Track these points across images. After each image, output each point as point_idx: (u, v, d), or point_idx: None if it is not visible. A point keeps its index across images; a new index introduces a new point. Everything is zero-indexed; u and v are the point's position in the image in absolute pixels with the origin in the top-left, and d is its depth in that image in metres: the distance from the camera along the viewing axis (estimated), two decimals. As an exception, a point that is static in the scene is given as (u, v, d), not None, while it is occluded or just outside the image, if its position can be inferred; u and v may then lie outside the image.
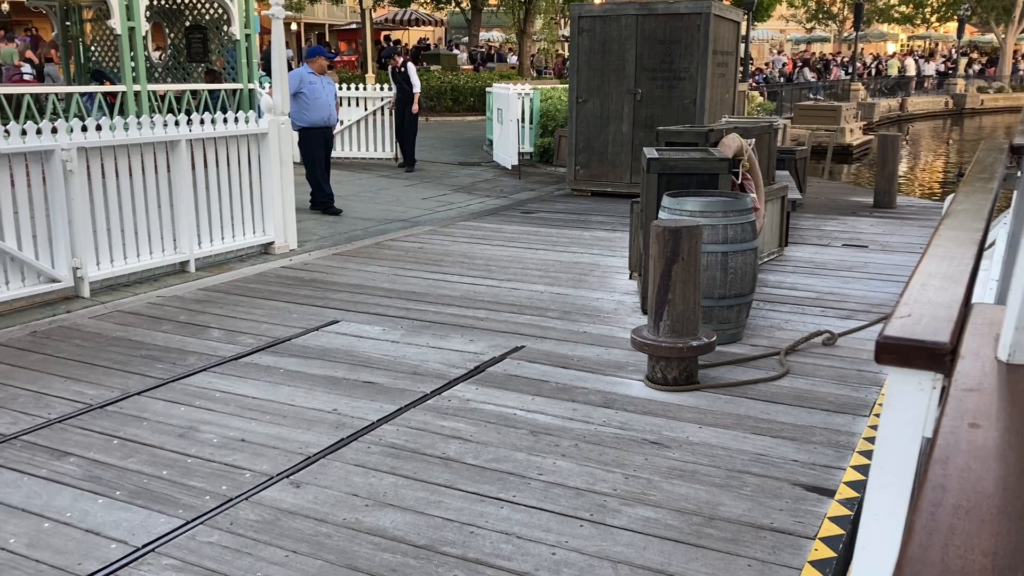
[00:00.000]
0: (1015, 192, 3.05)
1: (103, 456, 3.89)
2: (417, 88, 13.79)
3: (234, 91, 11.02)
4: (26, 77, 18.28)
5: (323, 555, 3.10)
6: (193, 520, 3.34)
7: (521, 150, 13.98)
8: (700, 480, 3.64)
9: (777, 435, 4.10)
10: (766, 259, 7.62)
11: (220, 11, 11.68)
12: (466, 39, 38.49)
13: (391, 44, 25.31)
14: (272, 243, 8.07)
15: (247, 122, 7.75)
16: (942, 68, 43.73)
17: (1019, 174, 3.00)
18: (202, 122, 7.35)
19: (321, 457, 3.87)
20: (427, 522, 3.31)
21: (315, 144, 9.85)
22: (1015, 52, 45.18)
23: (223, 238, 7.66)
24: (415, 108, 13.75)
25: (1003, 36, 44.06)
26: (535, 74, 31.15)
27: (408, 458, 3.85)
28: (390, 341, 5.48)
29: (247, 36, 11.17)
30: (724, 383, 4.78)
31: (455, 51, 36.69)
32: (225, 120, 7.56)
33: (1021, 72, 43.79)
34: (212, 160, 7.49)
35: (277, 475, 3.70)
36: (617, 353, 5.26)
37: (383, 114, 14.67)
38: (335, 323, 5.86)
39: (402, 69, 13.73)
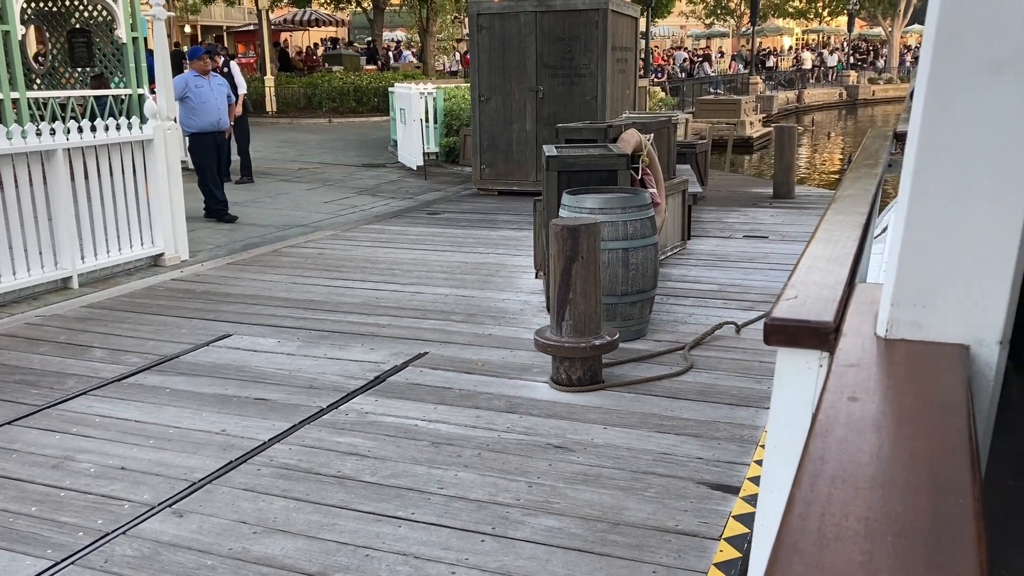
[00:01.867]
0: (902, 178, 3.08)
1: (-35, 495, 3.58)
2: (243, 89, 12.41)
3: (123, 97, 10.52)
4: None
5: (206, 590, 2.89)
6: (63, 560, 3.08)
7: (426, 150, 13.79)
8: (604, 484, 3.56)
9: (681, 432, 4.05)
10: (669, 253, 7.64)
11: (105, 13, 11.15)
12: (370, 39, 37.95)
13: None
14: (162, 254, 7.70)
15: (130, 129, 7.37)
16: (852, 60, 45.66)
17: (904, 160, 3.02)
18: (80, 130, 6.95)
19: (207, 483, 3.64)
20: (319, 547, 3.13)
21: (206, 150, 9.46)
22: (902, 44, 47.06)
23: (108, 251, 7.26)
24: (238, 111, 11.97)
25: (890, 29, 45.86)
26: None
27: (301, 479, 3.65)
28: (285, 354, 5.25)
29: (135, 39, 10.69)
30: (628, 381, 4.72)
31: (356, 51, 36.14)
32: (106, 127, 7.17)
33: (908, 63, 45.62)
34: (94, 170, 7.09)
35: (159, 505, 3.46)
36: (522, 355, 5.15)
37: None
38: (227, 337, 5.59)
39: (225, 70, 12.35)
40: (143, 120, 7.65)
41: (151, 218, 7.63)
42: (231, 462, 3.82)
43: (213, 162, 9.60)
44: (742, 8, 48.05)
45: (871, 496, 0.84)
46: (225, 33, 43.19)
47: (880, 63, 46.97)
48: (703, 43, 53.79)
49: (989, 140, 1.14)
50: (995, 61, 1.11)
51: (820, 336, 1.32)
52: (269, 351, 5.31)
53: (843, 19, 47.63)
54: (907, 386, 1.16)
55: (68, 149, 6.84)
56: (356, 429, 4.14)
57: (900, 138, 3.25)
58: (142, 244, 7.59)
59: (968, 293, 1.19)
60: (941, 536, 0.76)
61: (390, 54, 33.28)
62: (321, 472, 3.71)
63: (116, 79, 10.88)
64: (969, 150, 1.15)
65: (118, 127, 7.27)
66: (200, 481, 3.65)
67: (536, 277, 6.96)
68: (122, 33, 10.58)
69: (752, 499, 3.40)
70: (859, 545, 0.75)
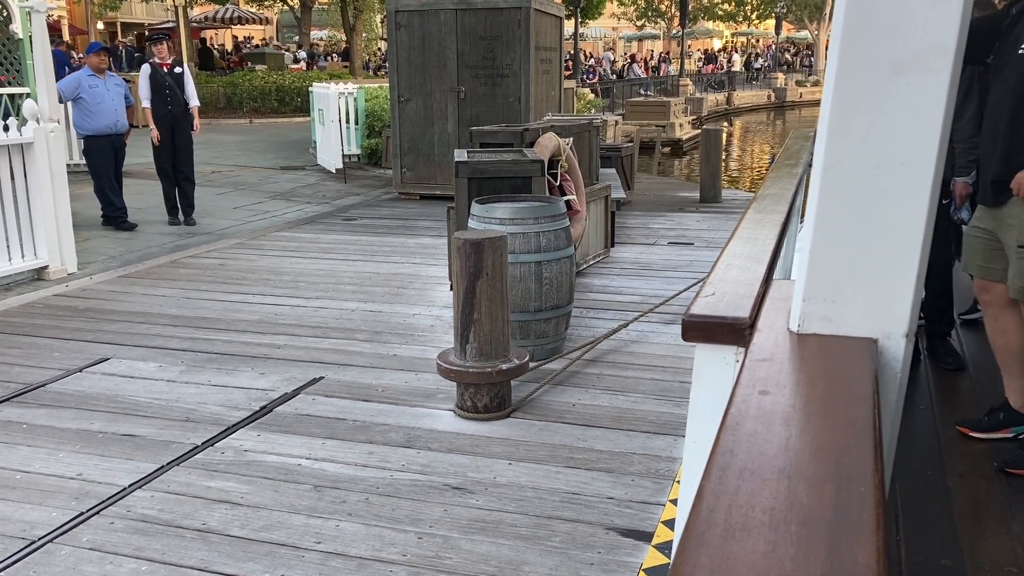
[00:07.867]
0: (812, 176, 2.89)
1: None
2: (194, 101, 10.20)
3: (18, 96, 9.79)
4: None
5: None
6: None
7: (347, 152, 13.26)
8: (504, 532, 3.18)
9: (593, 467, 3.70)
10: (592, 262, 7.32)
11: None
12: (297, 38, 37.05)
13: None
14: (46, 267, 7.08)
15: (6, 131, 6.75)
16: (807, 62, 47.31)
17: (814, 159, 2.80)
18: (-54, 132, 6.32)
19: (48, 541, 3.16)
20: (166, 623, 2.69)
21: (102, 154, 8.81)
22: (827, 47, 48.00)
23: (-17, 265, 6.64)
24: (197, 125, 10.25)
25: (816, 32, 46.65)
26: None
27: (159, 534, 3.20)
28: (165, 380, 4.75)
29: (32, 35, 9.97)
30: (539, 406, 4.36)
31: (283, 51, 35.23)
32: (-24, 129, 6.55)
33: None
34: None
35: (-15, 572, 2.98)
36: (428, 379, 4.75)
37: None
38: (104, 361, 5.07)
39: (177, 69, 9.95)
40: (22, 122, 7.03)
41: (33, 228, 7.01)
42: (81, 514, 3.35)
43: (110, 167, 8.95)
44: (672, 10, 48.34)
45: (777, 487, 0.86)
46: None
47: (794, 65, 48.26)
48: (634, 45, 54.01)
49: (893, 138, 1.17)
50: (897, 62, 1.13)
51: (736, 332, 1.36)
52: (148, 377, 4.80)
53: (771, 22, 48.32)
54: (817, 379, 1.19)
55: (-68, 153, 6.22)
56: (231, 471, 3.69)
57: None
58: (23, 256, 6.97)
59: (876, 288, 1.22)
60: (842, 524, 0.78)
61: (303, 53, 32.38)
62: (183, 525, 3.26)
63: (8, 77, 10.17)
64: (875, 148, 1.18)
65: (-8, 129, 6.65)
66: (40, 540, 3.17)
67: (451, 289, 6.57)
68: (17, 28, 9.87)
69: (666, 547, 3.06)
70: (764, 535, 0.77)
